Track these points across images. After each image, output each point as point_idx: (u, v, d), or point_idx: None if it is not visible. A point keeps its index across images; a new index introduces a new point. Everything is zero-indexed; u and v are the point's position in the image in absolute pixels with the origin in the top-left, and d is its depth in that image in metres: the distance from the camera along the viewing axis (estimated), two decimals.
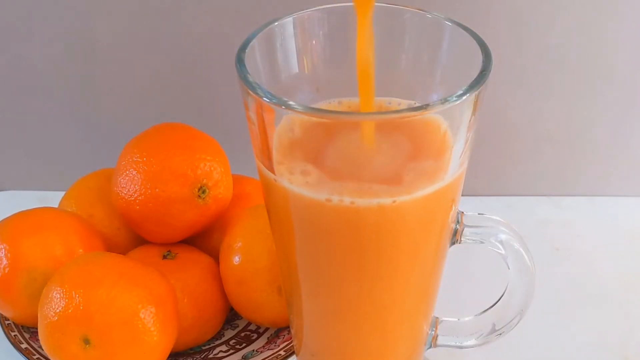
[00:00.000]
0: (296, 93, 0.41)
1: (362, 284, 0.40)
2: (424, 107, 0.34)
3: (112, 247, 0.54)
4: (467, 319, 0.46)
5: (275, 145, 0.38)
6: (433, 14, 0.40)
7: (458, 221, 0.42)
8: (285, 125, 0.38)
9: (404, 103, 0.41)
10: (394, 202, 0.36)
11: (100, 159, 0.60)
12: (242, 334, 0.54)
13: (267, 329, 0.54)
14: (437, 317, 0.46)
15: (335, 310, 0.42)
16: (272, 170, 0.38)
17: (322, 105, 0.42)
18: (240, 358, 0.51)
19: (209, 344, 0.53)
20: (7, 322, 0.52)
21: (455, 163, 0.38)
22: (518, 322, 0.44)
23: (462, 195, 0.41)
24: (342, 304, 0.41)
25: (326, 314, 0.42)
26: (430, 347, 0.46)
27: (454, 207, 0.40)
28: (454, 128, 0.37)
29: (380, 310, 0.41)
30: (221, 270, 0.51)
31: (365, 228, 0.37)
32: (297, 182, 0.37)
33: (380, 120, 0.36)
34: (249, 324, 0.54)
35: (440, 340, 0.46)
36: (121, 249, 0.54)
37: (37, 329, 0.47)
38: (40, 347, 0.50)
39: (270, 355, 0.51)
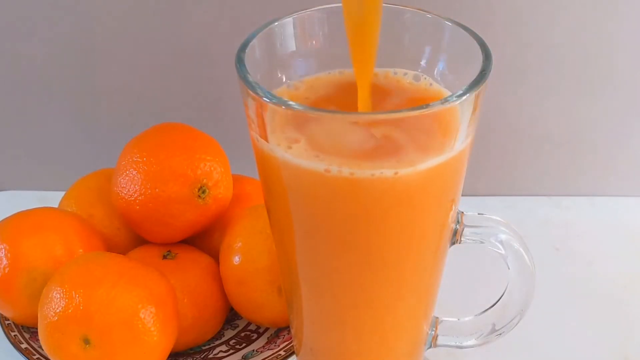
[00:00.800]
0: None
1: (361, 275, 0.40)
2: (423, 107, 0.34)
3: (112, 247, 0.54)
4: (467, 319, 0.46)
5: (270, 117, 0.37)
6: (433, 14, 0.40)
7: (458, 221, 0.42)
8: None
9: (410, 74, 0.41)
10: (396, 174, 0.35)
11: (100, 159, 0.60)
12: (242, 334, 0.54)
13: (267, 329, 0.54)
14: (437, 317, 0.46)
15: (336, 310, 0.42)
16: (266, 140, 0.37)
17: (323, 76, 0.41)
18: (240, 358, 0.51)
19: (209, 344, 0.53)
20: (7, 322, 0.52)
21: (460, 141, 0.37)
22: (518, 322, 0.44)
23: (462, 195, 0.41)
24: (342, 302, 0.41)
25: (326, 314, 0.42)
26: (430, 347, 0.46)
27: (454, 207, 0.40)
28: (454, 128, 0.37)
29: (381, 309, 0.41)
30: (221, 270, 0.51)
31: (364, 201, 0.36)
32: (294, 152, 0.36)
33: (382, 120, 0.36)
34: (249, 324, 0.54)
35: (440, 340, 0.46)
36: (121, 249, 0.54)
37: (37, 329, 0.47)
38: (40, 347, 0.50)
39: (270, 355, 0.51)
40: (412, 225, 0.38)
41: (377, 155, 0.36)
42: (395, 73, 0.41)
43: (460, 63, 0.39)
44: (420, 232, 0.39)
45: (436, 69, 0.41)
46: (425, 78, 0.41)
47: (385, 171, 0.35)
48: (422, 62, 0.41)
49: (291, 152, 0.36)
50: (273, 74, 0.41)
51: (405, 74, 0.41)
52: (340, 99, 0.41)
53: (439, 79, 0.41)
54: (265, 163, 0.38)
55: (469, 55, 0.39)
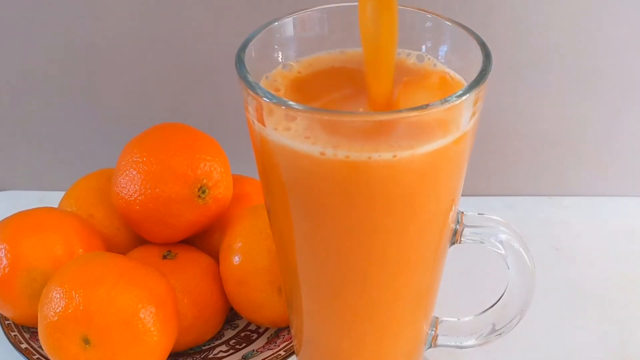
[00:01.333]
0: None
1: (361, 275, 0.39)
2: (423, 107, 0.34)
3: (112, 247, 0.54)
4: (467, 319, 0.46)
5: (268, 110, 0.37)
6: (433, 13, 0.40)
7: (458, 221, 0.42)
8: (268, 85, 0.38)
9: (413, 54, 0.41)
10: (394, 156, 0.34)
11: (100, 159, 0.60)
12: (242, 334, 0.54)
13: (267, 329, 0.54)
14: (437, 317, 0.46)
15: (335, 310, 0.42)
16: (263, 123, 0.36)
17: (324, 55, 0.41)
18: (240, 358, 0.51)
19: (209, 344, 0.53)
20: (7, 322, 0.52)
21: (461, 127, 0.36)
22: (518, 322, 0.44)
23: (462, 195, 0.41)
24: (342, 302, 0.41)
25: (326, 314, 0.42)
26: (430, 347, 0.46)
27: (454, 207, 0.40)
28: (455, 139, 0.37)
29: (381, 309, 0.41)
30: (221, 270, 0.51)
31: (361, 187, 0.35)
32: (290, 134, 0.35)
33: (381, 120, 0.36)
34: (249, 324, 0.54)
35: (440, 340, 0.46)
36: (121, 249, 0.54)
37: (37, 329, 0.47)
38: (40, 347, 0.50)
39: (270, 355, 0.51)
40: (412, 215, 0.38)
41: (374, 137, 0.35)
42: (398, 54, 0.41)
43: (463, 49, 0.39)
44: (421, 225, 0.39)
45: (439, 51, 0.41)
46: (428, 58, 0.41)
47: (383, 154, 0.34)
48: (424, 48, 0.41)
49: (287, 135, 0.35)
50: (270, 52, 0.41)
51: (409, 54, 0.41)
52: (339, 75, 0.40)
53: (443, 61, 0.41)
54: (261, 147, 0.38)
55: (469, 56, 0.39)
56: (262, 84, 0.39)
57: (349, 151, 0.34)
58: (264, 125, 0.36)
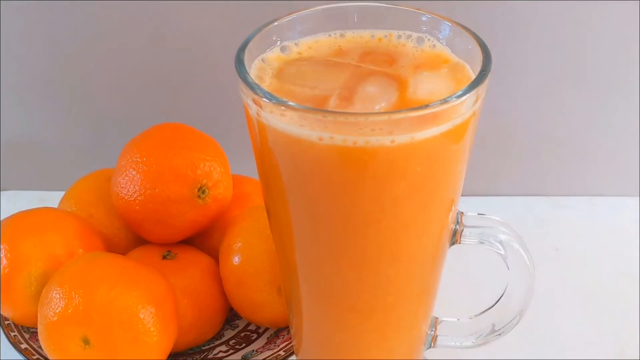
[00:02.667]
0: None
1: (360, 275, 0.39)
2: (423, 107, 0.34)
3: (112, 247, 0.54)
4: (466, 319, 0.46)
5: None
6: (433, 13, 0.40)
7: (458, 221, 0.42)
8: (261, 70, 0.38)
9: (414, 36, 0.41)
10: (393, 142, 0.34)
11: (100, 159, 0.60)
12: (242, 334, 0.54)
13: (267, 329, 0.54)
14: (436, 317, 0.46)
15: (335, 310, 0.42)
16: (260, 107, 0.36)
17: (324, 38, 0.41)
18: (240, 358, 0.51)
19: (209, 344, 0.53)
20: (7, 322, 0.52)
21: (465, 109, 0.36)
22: (517, 322, 0.44)
23: (462, 195, 0.41)
24: (341, 302, 0.41)
25: (326, 314, 0.42)
26: (430, 347, 0.46)
27: (454, 207, 0.40)
28: (454, 127, 0.37)
29: (380, 310, 0.41)
30: (221, 270, 0.51)
31: (360, 174, 0.35)
32: (287, 120, 0.35)
33: (381, 122, 0.36)
34: (249, 324, 0.54)
35: (439, 341, 0.46)
36: (121, 249, 0.54)
37: (37, 329, 0.47)
38: (40, 347, 0.50)
39: (270, 355, 0.51)
40: (411, 212, 0.37)
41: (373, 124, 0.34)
42: (399, 37, 0.41)
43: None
44: (421, 225, 0.39)
45: (440, 34, 0.41)
46: (428, 39, 0.41)
47: (381, 138, 0.34)
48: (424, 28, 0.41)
49: (284, 120, 0.35)
50: (269, 37, 0.41)
51: (410, 36, 0.41)
52: (339, 57, 0.40)
53: (444, 42, 0.40)
54: (259, 134, 0.37)
55: (469, 56, 0.39)
56: (257, 65, 0.39)
57: (345, 135, 0.34)
58: (261, 108, 0.36)
